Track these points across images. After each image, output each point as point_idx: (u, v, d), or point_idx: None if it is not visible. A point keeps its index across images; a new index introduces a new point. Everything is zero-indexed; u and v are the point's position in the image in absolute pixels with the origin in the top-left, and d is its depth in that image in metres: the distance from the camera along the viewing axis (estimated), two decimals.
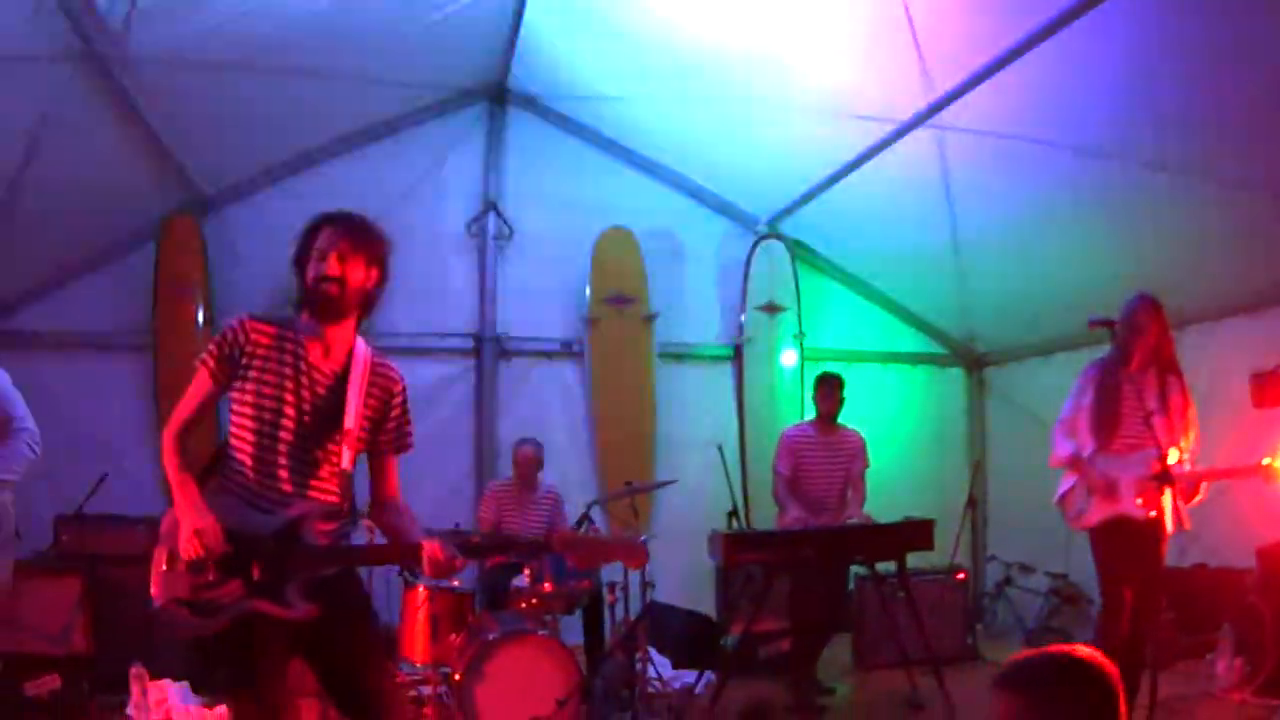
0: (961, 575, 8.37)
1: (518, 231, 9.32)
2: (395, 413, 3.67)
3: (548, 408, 9.29)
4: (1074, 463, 5.90)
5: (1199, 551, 7.27)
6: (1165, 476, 5.25)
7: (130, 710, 6.38)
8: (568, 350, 9.49)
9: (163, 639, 6.73)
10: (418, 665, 6.75)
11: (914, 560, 7.17)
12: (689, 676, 7.31)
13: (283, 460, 3.44)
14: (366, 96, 8.40)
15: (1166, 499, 5.39)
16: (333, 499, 3.53)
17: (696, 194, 9.87)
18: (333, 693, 3.57)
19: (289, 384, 3.45)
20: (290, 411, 3.44)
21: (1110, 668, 2.36)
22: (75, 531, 7.21)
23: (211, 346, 3.48)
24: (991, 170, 7.43)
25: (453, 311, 9.21)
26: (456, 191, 9.29)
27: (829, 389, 7.44)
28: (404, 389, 3.70)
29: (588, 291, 9.37)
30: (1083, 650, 2.37)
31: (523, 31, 7.95)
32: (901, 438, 9.82)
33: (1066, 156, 6.80)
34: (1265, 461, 5.50)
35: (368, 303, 3.60)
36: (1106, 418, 5.79)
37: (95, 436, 8.01)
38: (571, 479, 8.58)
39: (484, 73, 8.98)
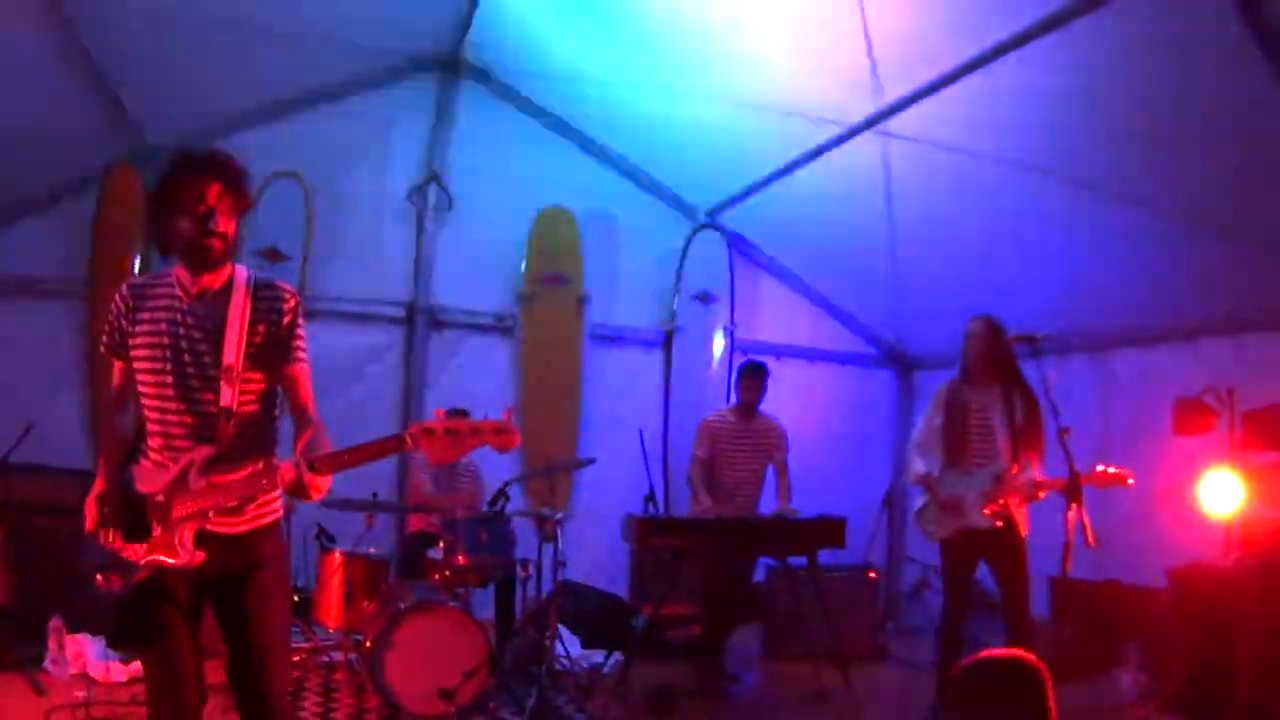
0: (873, 574, 8.49)
1: (458, 203, 9.26)
2: (282, 333, 3.53)
3: (475, 381, 9.20)
4: (925, 480, 6.37)
5: (1115, 567, 7.42)
6: (1075, 491, 5.39)
7: (47, 663, 6.35)
8: (500, 325, 9.47)
9: (84, 592, 6.77)
10: (331, 630, 6.78)
11: (828, 556, 7.31)
12: (598, 656, 7.39)
13: (175, 414, 3.42)
14: (319, 57, 8.29)
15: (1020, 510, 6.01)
16: (223, 440, 3.41)
17: (639, 179, 9.87)
18: (227, 652, 3.52)
19: (167, 339, 3.41)
20: (170, 366, 3.40)
21: (1041, 665, 2.59)
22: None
23: (105, 325, 3.55)
24: (933, 179, 7.50)
25: (387, 279, 9.13)
26: (400, 159, 9.21)
27: (752, 378, 7.55)
28: (296, 304, 3.58)
29: (523, 268, 9.37)
30: (1015, 652, 2.64)
31: (482, 3, 7.88)
32: (827, 435, 9.86)
33: (1008, 172, 6.88)
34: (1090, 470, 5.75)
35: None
36: (953, 436, 6.27)
37: (23, 384, 7.85)
38: (494, 454, 8.53)
39: (439, 42, 8.89)
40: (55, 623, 6.39)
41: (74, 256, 8.19)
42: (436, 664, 5.95)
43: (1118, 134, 6.11)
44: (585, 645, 7.70)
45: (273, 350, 3.51)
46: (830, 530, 6.99)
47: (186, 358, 3.40)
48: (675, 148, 9.14)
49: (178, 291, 3.45)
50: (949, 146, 6.98)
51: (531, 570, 7.13)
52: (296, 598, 7.09)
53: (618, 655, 7.35)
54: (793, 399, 9.27)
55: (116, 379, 3.62)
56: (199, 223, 3.34)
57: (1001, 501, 6.01)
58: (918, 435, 6.60)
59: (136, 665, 6.21)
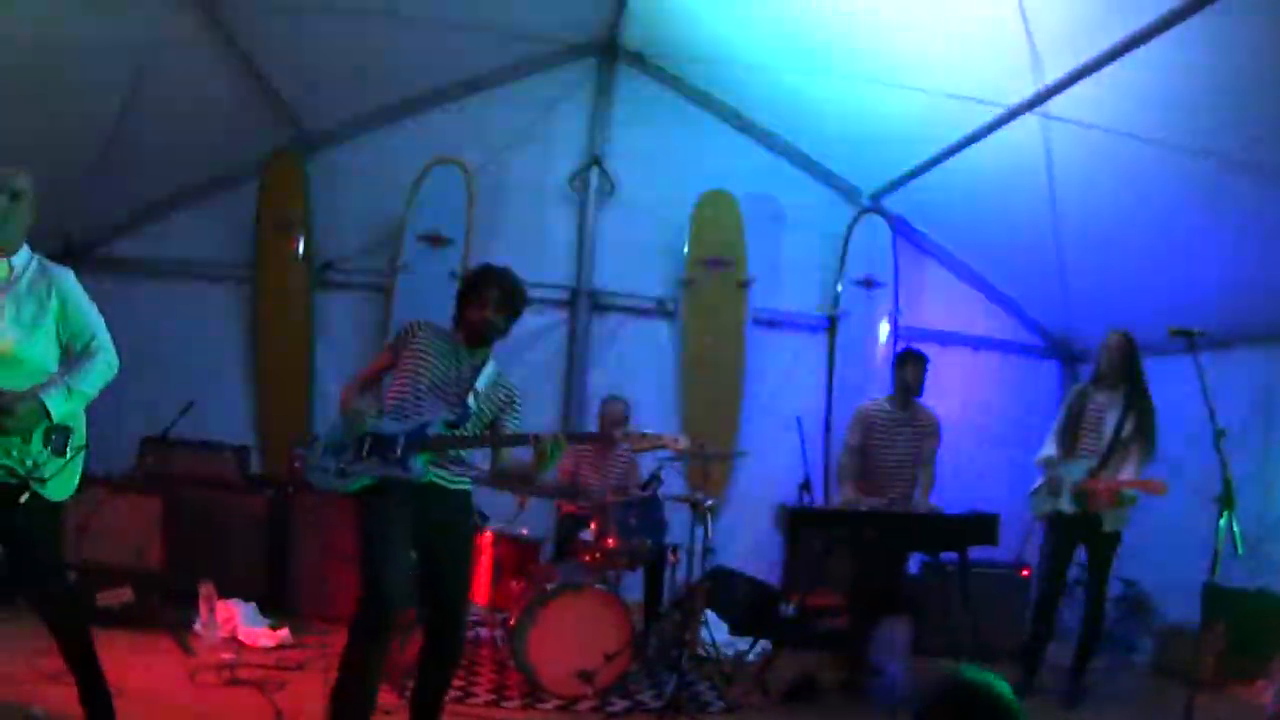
0: (1025, 572, 8.25)
1: (620, 188, 9.35)
2: (505, 402, 4.99)
3: (637, 365, 9.29)
4: (1045, 461, 7.05)
5: (1270, 572, 7.11)
6: (1226, 497, 5.23)
7: (198, 626, 6.64)
8: (662, 309, 9.50)
9: (235, 561, 7.18)
10: (479, 607, 6.92)
11: (982, 552, 7.22)
12: (744, 643, 7.39)
13: (424, 402, 4.76)
14: (476, 46, 8.51)
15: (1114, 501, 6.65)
16: (460, 423, 4.77)
17: (801, 162, 9.76)
18: (424, 584, 4.77)
19: (438, 359, 4.82)
20: (442, 380, 4.80)
21: (1007, 700, 2.39)
22: (159, 454, 7.49)
23: (392, 337, 5.16)
24: (1096, 163, 7.22)
25: (550, 263, 9.23)
26: (561, 145, 9.33)
27: (910, 366, 7.43)
28: (516, 395, 5.05)
29: (685, 252, 9.35)
30: (979, 677, 2.43)
31: None
32: (989, 427, 9.64)
33: (1173, 157, 6.59)
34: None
35: None
36: (1068, 431, 6.99)
37: (190, 364, 8.34)
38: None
39: (595, 27, 8.99)
40: (206, 588, 6.68)
41: (239, 242, 8.64)
42: (579, 645, 6.07)
43: None
44: (733, 631, 7.70)
45: (495, 407, 4.95)
46: (981, 527, 6.84)
47: (453, 380, 4.83)
48: (836, 130, 9.00)
49: (459, 350, 4.89)
50: (1111, 129, 6.72)
51: (681, 555, 7.17)
52: None
53: (765, 643, 7.35)
54: (956, 388, 9.16)
55: (375, 367, 5.05)
56: (482, 313, 4.83)
57: (1087, 490, 6.71)
58: (1055, 425, 7.15)
59: (285, 633, 6.49)
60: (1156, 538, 7.53)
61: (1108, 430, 6.77)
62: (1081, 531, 6.86)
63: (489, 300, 4.83)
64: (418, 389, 4.77)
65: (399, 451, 4.64)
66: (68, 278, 4.42)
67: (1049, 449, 7.06)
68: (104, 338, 4.48)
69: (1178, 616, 7.74)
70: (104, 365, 4.45)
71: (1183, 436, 6.60)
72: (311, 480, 4.82)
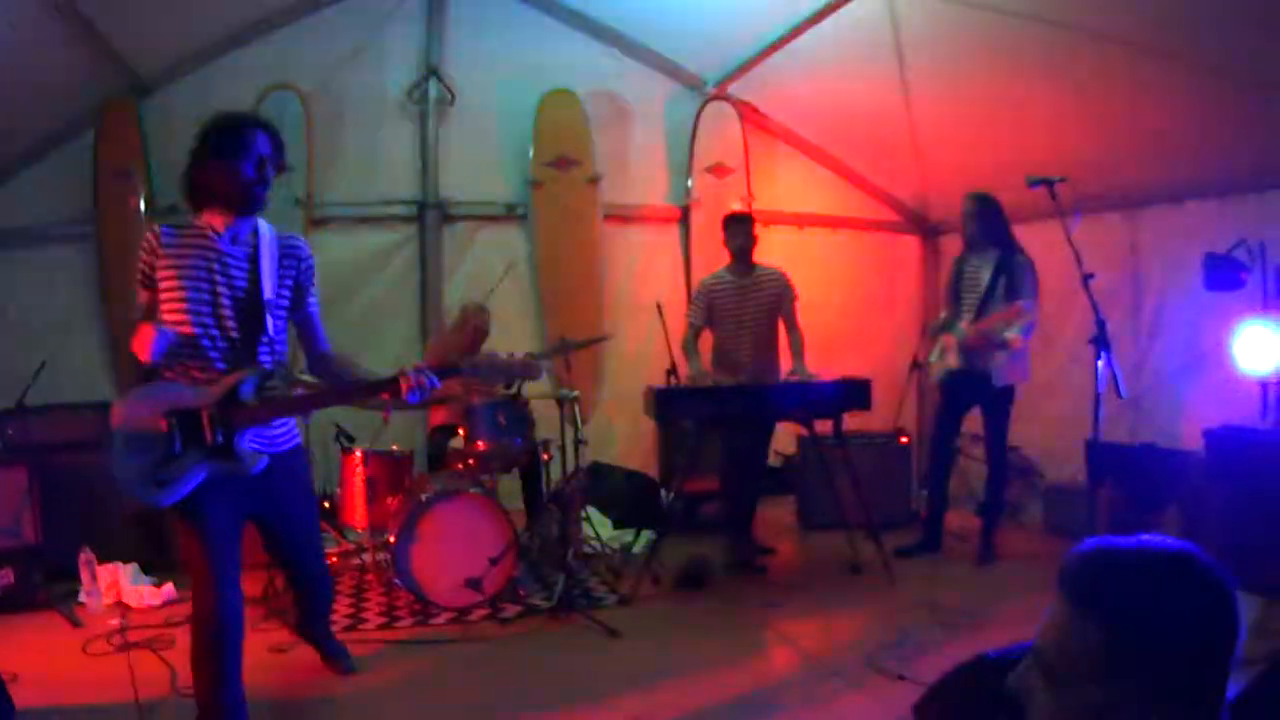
0: (904, 439, 8.33)
1: (460, 96, 9.03)
2: (302, 278, 4.07)
3: (493, 271, 8.94)
4: (932, 326, 7.41)
5: (1151, 430, 7.25)
6: (1101, 338, 5.31)
7: (83, 596, 6.36)
8: (512, 213, 9.29)
9: (111, 523, 6.77)
10: (358, 530, 6.75)
11: (859, 423, 7.34)
12: (629, 537, 7.34)
13: (211, 340, 3.78)
14: None
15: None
16: (266, 363, 3.87)
17: (642, 55, 9.55)
18: (275, 560, 4.33)
19: (204, 274, 3.76)
20: (210, 298, 3.76)
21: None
22: (18, 423, 7.06)
23: (138, 260, 3.83)
24: (943, 34, 7.18)
25: (394, 179, 8.97)
26: (396, 58, 8.95)
27: (735, 228, 7.28)
28: (310, 255, 4.11)
29: (531, 154, 9.16)
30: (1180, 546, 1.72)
31: None
32: (853, 302, 9.75)
33: (1022, 25, 6.53)
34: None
35: None
36: (950, 296, 7.25)
37: (39, 329, 7.87)
38: (517, 342, 8.47)
39: None
40: (85, 555, 6.37)
41: (77, 198, 8.08)
42: (462, 553, 5.98)
43: None
44: (616, 525, 7.66)
45: (295, 292, 4.02)
46: (854, 393, 6.76)
47: (223, 290, 3.78)
48: (676, 19, 8.78)
49: (210, 234, 3.81)
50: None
51: (554, 453, 7.06)
52: (326, 504, 7.11)
53: (649, 534, 7.31)
54: (817, 267, 9.23)
55: (145, 299, 3.85)
56: (255, 168, 3.76)
57: (969, 341, 6.88)
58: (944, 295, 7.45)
59: (169, 589, 6.25)
60: (1036, 401, 7.64)
61: (982, 287, 6.91)
62: (973, 391, 7.04)
63: (259, 146, 3.78)
64: (191, 335, 3.75)
65: (215, 435, 3.73)
66: None
67: (943, 315, 7.34)
68: None
69: (1062, 478, 7.93)
70: None
71: (1054, 296, 6.67)
72: (127, 492, 3.71)
